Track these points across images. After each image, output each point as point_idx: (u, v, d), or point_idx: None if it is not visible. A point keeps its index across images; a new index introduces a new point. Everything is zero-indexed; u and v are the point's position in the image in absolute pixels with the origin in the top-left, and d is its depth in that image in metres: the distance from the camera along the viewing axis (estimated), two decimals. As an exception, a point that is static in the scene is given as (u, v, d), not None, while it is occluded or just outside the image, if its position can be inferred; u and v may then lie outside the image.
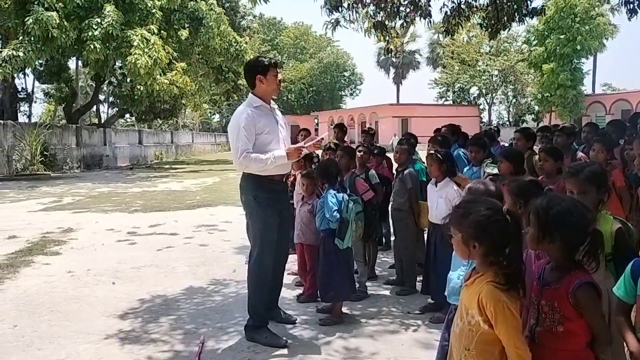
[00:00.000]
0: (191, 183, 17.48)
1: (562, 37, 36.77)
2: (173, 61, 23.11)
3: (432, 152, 4.55)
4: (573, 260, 2.07)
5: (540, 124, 36.64)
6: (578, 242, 2.05)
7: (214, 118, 70.23)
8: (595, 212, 2.46)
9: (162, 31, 22.04)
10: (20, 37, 17.90)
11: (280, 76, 4.12)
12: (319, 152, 7.45)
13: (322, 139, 4.46)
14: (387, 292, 5.21)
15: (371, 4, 7.63)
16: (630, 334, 2.07)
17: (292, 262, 5.98)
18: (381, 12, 7.73)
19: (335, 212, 4.34)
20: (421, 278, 5.08)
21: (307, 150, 4.26)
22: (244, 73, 4.27)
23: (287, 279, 5.60)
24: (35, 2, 17.19)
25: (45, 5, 17.22)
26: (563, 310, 2.02)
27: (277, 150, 3.96)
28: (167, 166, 27.98)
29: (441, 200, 4.26)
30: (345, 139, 8.16)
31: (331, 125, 39.81)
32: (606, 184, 2.76)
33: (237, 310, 4.69)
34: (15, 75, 22.15)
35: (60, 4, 17.80)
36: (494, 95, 56.86)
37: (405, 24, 8.41)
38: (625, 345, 2.14)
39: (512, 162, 4.18)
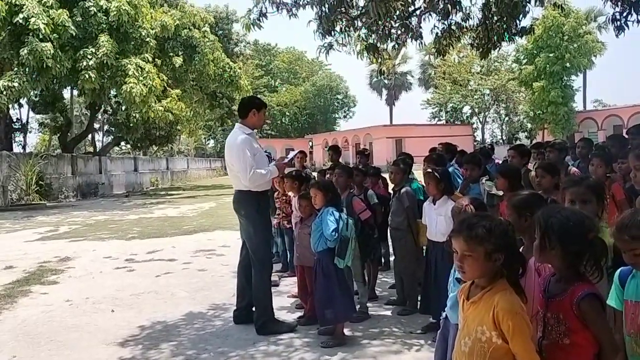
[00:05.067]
0: (188, 209, 17.45)
1: (551, 55, 37.32)
2: (168, 88, 23.29)
3: (430, 170, 4.58)
4: (576, 271, 2.08)
5: (534, 141, 36.96)
6: (577, 250, 2.05)
7: (208, 143, 70.41)
8: (597, 222, 2.49)
9: (156, 59, 22.29)
10: (16, 68, 18.04)
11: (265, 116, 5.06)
12: (315, 174, 7.51)
13: (297, 152, 5.97)
14: (388, 313, 5.18)
15: (363, 27, 7.75)
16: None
17: (292, 284, 5.99)
18: (373, 35, 7.84)
19: (334, 231, 4.34)
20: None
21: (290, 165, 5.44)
22: (239, 105, 5.05)
23: (287, 301, 5.61)
24: (30, 34, 17.35)
25: (40, 37, 17.38)
26: (568, 322, 2.02)
27: (271, 166, 4.88)
28: (163, 192, 27.92)
29: (441, 218, 4.27)
30: (340, 160, 8.20)
31: (325, 147, 40.00)
32: (604, 197, 2.82)
33: (237, 334, 4.67)
34: (10, 105, 22.19)
35: (54, 34, 17.98)
36: (486, 114, 57.35)
37: (396, 46, 8.52)
38: None
39: (508, 178, 4.22)
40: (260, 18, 6.88)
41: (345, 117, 71.57)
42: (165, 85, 22.44)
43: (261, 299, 4.73)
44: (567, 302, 2.03)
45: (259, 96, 5.02)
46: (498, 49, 8.57)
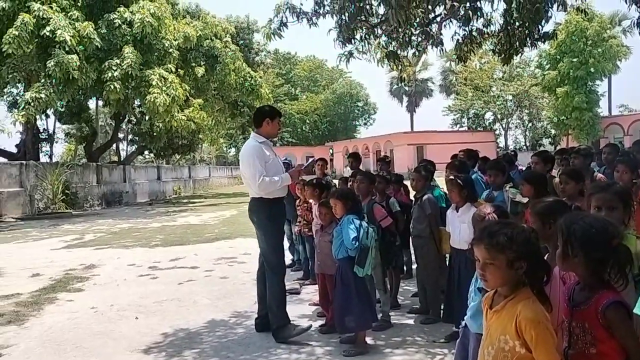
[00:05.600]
0: (209, 216, 17.58)
1: (574, 60, 36.78)
2: (190, 98, 23.58)
3: (452, 177, 4.54)
4: (601, 279, 2.04)
5: (558, 147, 36.40)
6: (601, 257, 2.01)
7: (229, 152, 70.96)
8: (622, 229, 2.44)
9: (179, 69, 22.60)
10: (42, 80, 18.43)
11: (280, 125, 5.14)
12: (336, 181, 7.51)
13: (313, 159, 5.83)
14: (411, 321, 5.14)
15: (383, 35, 7.75)
16: None
17: (313, 292, 5.99)
18: (393, 42, 7.83)
19: (354, 240, 4.33)
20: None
21: (304, 173, 5.42)
22: (254, 114, 5.15)
23: (309, 309, 5.60)
24: (57, 46, 17.73)
25: (66, 49, 17.75)
26: (594, 332, 1.98)
27: (284, 174, 4.86)
28: (185, 200, 28.20)
29: (464, 225, 4.22)
30: (361, 167, 8.19)
31: (346, 154, 40.00)
32: (631, 204, 2.77)
33: (259, 342, 4.68)
34: (38, 116, 22.69)
35: (80, 47, 18.35)
36: (509, 120, 56.74)
37: (417, 53, 8.49)
38: None
39: (534, 184, 4.16)
40: (281, 27, 6.93)
41: (365, 124, 71.57)
42: (188, 94, 22.73)
43: (273, 305, 4.77)
44: (592, 311, 1.99)
45: (278, 104, 5.00)
46: (520, 54, 8.48)
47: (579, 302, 2.07)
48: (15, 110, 19.42)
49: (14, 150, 25.92)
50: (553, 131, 47.00)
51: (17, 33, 17.02)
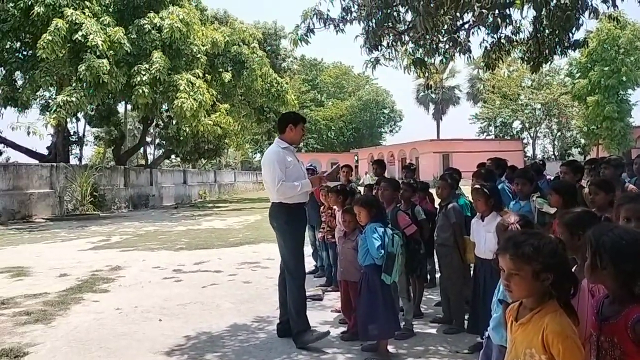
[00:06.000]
0: (234, 221, 17.70)
1: (606, 69, 36.03)
2: (217, 103, 23.84)
3: (478, 186, 4.48)
4: (631, 292, 1.98)
5: (588, 157, 35.67)
6: (631, 269, 1.94)
7: (255, 157, 71.46)
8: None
9: (206, 74, 22.88)
10: (74, 84, 18.85)
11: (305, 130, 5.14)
12: (361, 188, 7.49)
13: (337, 166, 5.71)
14: (433, 331, 5.08)
15: (410, 42, 7.71)
16: None
17: (335, 299, 5.96)
18: (420, 49, 7.79)
19: (380, 247, 4.30)
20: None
21: (327, 180, 5.29)
22: (277, 120, 5.24)
23: (331, 316, 5.58)
24: (88, 51, 18.12)
25: (97, 54, 18.13)
26: (623, 346, 1.92)
27: (304, 180, 4.86)
28: (210, 205, 28.46)
29: (489, 234, 4.15)
30: (385, 175, 8.15)
31: (371, 161, 39.93)
32: None
33: (281, 347, 4.68)
34: (68, 119, 23.21)
35: (110, 51, 18.72)
36: (537, 129, 55.86)
37: (444, 60, 8.43)
38: None
39: (563, 195, 4.07)
40: (308, 34, 6.95)
41: (391, 131, 71.38)
42: (215, 100, 22.99)
43: (293, 310, 4.79)
44: (622, 325, 1.93)
45: (304, 110, 4.96)
46: (550, 62, 8.34)
47: (608, 315, 2.01)
48: (47, 113, 19.88)
49: (45, 152, 26.57)
50: (583, 141, 46.11)
51: (50, 38, 17.44)
